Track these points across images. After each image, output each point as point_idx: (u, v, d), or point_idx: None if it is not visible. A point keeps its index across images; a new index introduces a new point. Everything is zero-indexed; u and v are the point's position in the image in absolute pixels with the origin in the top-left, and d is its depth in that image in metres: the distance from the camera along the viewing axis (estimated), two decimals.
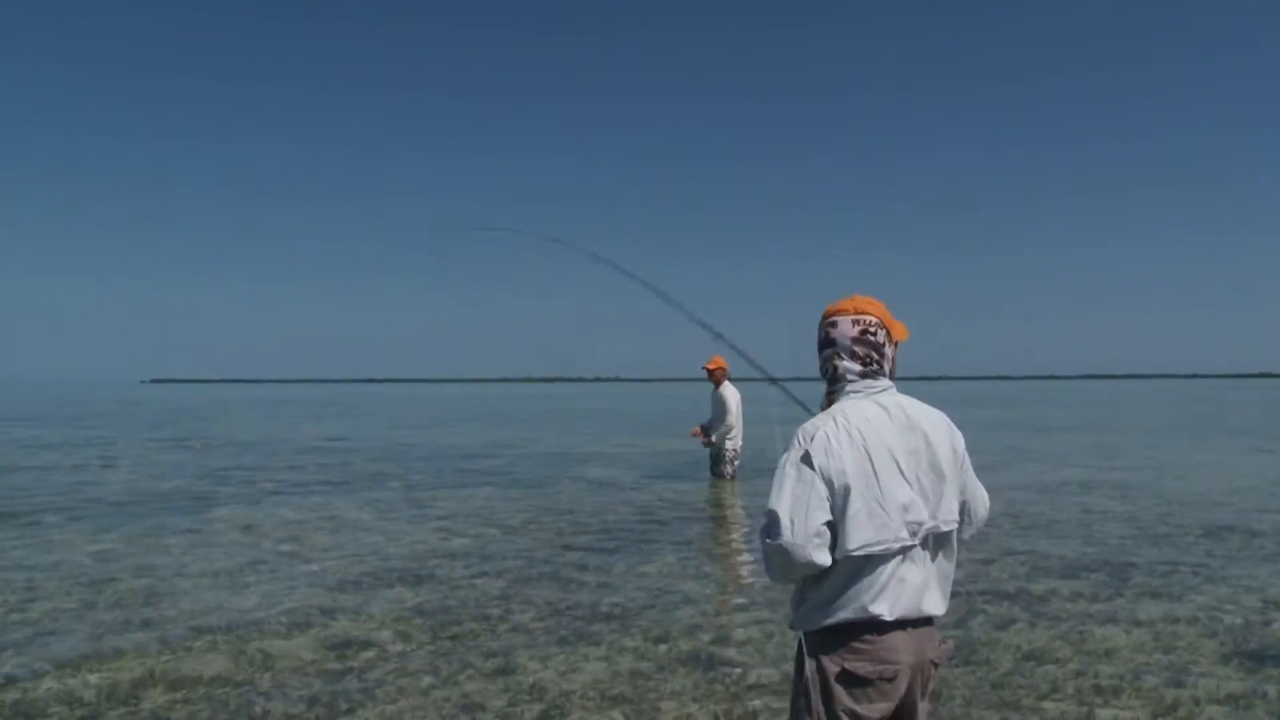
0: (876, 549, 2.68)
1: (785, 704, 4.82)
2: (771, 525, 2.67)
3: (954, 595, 7.20)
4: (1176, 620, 6.52)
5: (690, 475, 15.40)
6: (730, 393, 13.51)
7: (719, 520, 11.57)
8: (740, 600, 7.26)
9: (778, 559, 2.67)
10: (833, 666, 2.72)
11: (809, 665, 2.76)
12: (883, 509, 2.69)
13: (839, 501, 2.66)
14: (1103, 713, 4.77)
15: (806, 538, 2.63)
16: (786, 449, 2.76)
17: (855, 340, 2.86)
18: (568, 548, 9.42)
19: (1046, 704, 4.90)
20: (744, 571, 8.39)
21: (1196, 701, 4.92)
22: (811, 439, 2.70)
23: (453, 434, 29.89)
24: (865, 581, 2.69)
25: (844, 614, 2.70)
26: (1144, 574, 8.03)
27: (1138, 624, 6.44)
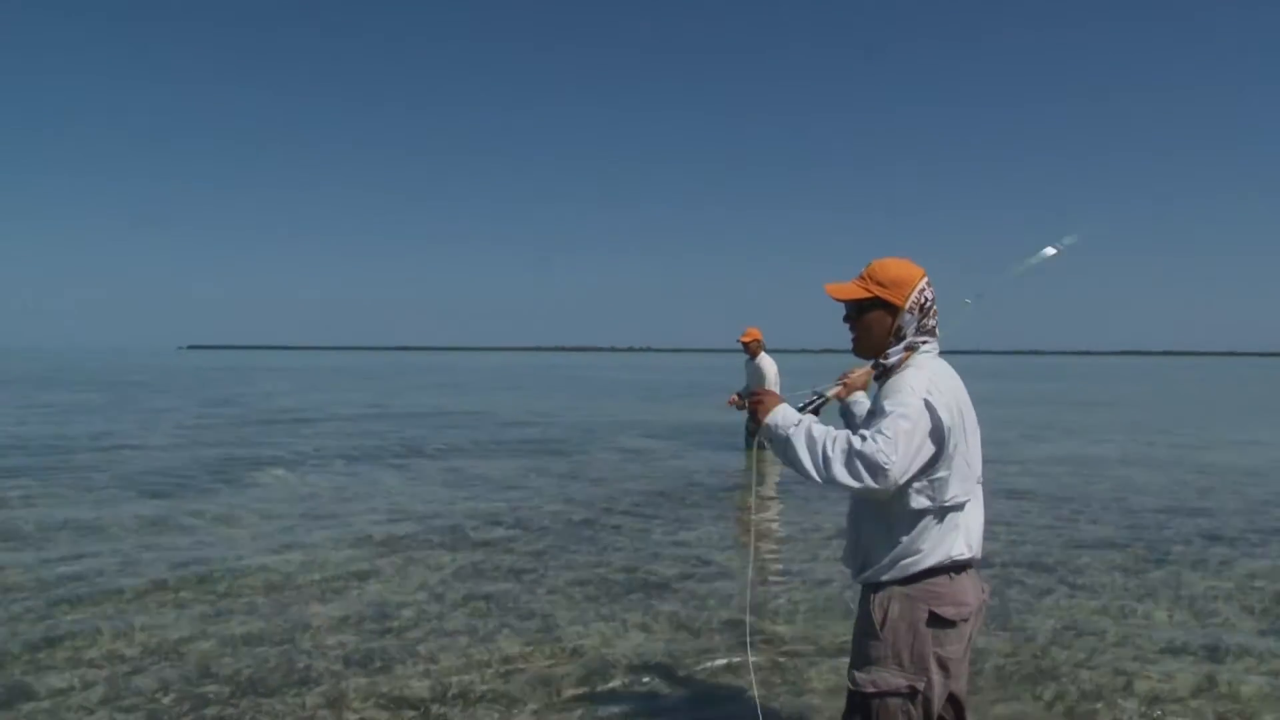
0: (962, 499, 2.86)
1: (822, 674, 4.86)
2: (888, 441, 2.68)
3: (992, 566, 7.22)
4: (1215, 594, 6.48)
5: (726, 445, 15.40)
6: (768, 363, 13.49)
7: (756, 491, 11.59)
8: (778, 571, 7.28)
9: (864, 467, 2.68)
10: (920, 612, 2.87)
11: (894, 612, 2.89)
12: (967, 463, 2.87)
13: (945, 454, 2.80)
14: (1140, 684, 4.76)
15: (903, 472, 2.70)
16: (891, 393, 2.80)
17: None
18: (603, 515, 9.47)
19: (1083, 673, 4.90)
20: (782, 543, 8.39)
21: (1236, 674, 4.90)
22: (928, 391, 2.79)
23: (486, 402, 30.05)
24: (947, 528, 2.87)
25: (931, 560, 2.86)
26: (1182, 548, 7.98)
27: (1176, 597, 6.40)
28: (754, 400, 2.96)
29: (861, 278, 3.01)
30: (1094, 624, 5.79)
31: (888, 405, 2.78)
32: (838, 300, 3.05)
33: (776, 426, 2.86)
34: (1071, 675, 4.88)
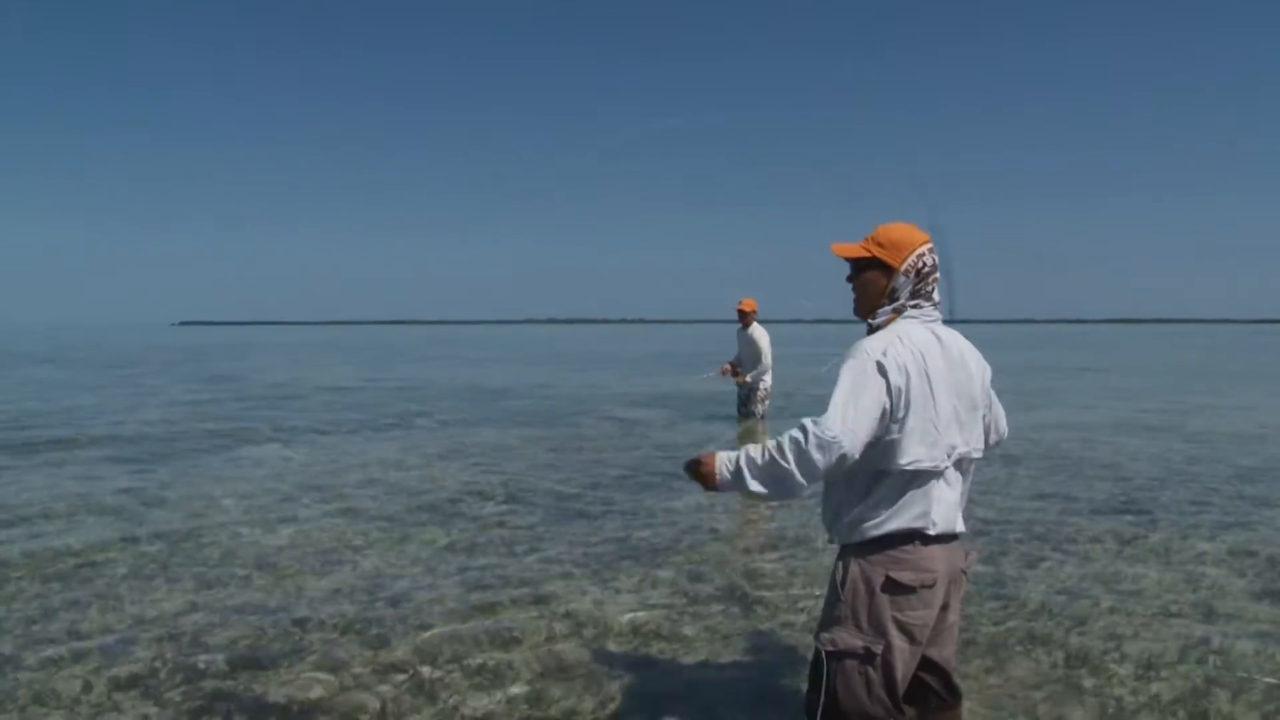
0: (925, 465, 2.85)
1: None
2: (826, 418, 2.73)
3: (985, 534, 7.26)
4: (1205, 560, 6.51)
5: (718, 415, 15.42)
6: (762, 333, 13.54)
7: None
8: (770, 537, 7.31)
9: (818, 452, 2.72)
10: (878, 576, 2.90)
11: (854, 574, 2.91)
12: (935, 429, 2.86)
13: (899, 415, 2.81)
14: (1132, 647, 4.79)
15: (855, 437, 2.73)
16: (848, 358, 2.85)
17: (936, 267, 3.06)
18: (596, 485, 9.49)
19: (1074, 638, 4.93)
20: (777, 511, 8.42)
21: (1226, 638, 4.92)
22: (883, 353, 2.81)
23: (479, 374, 30.02)
24: (911, 496, 2.87)
25: (891, 526, 2.87)
26: (1173, 514, 8.01)
27: (1167, 563, 6.43)
28: (696, 473, 2.99)
29: (866, 239, 3.06)
30: (1086, 589, 5.82)
31: (840, 371, 2.84)
32: (842, 258, 3.10)
33: (727, 481, 2.90)
34: (1063, 640, 4.90)
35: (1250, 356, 44.33)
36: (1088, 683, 4.38)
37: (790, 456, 2.75)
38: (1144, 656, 4.68)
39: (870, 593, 2.89)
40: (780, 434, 2.81)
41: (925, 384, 2.84)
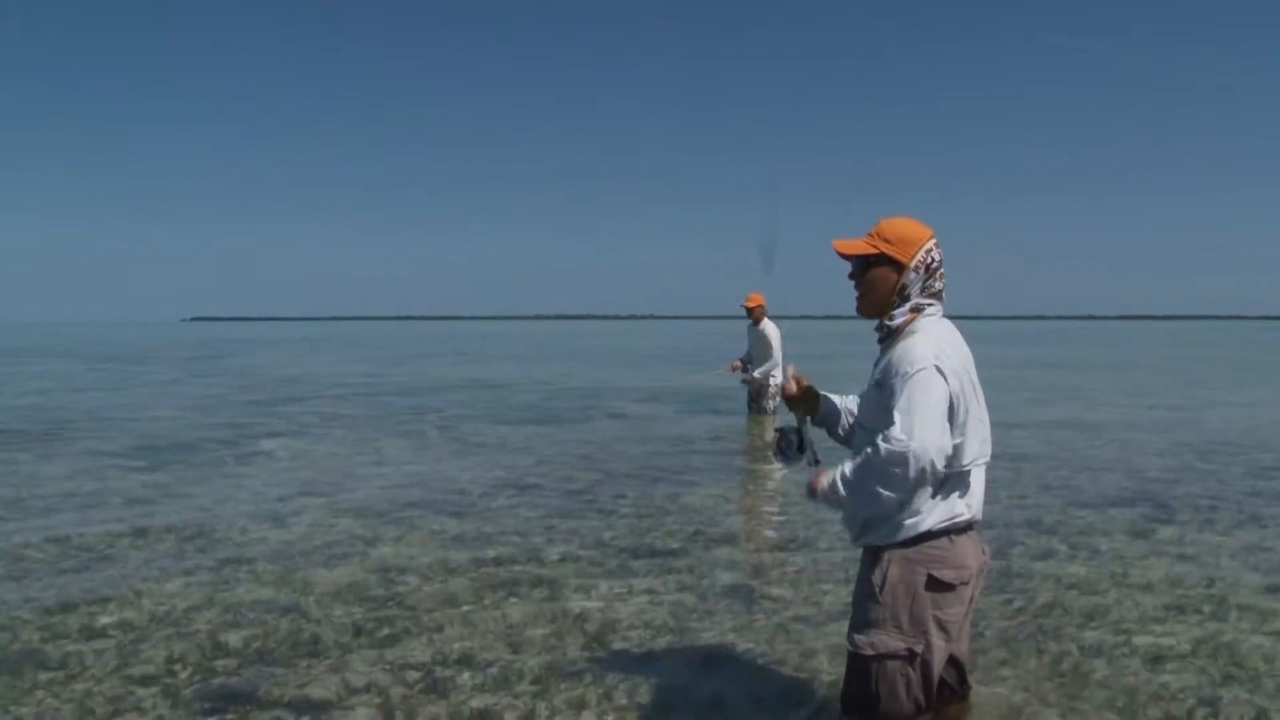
0: (981, 462, 2.89)
1: (826, 636, 4.88)
2: (906, 434, 2.68)
3: (993, 526, 7.24)
4: (1218, 555, 6.49)
5: (728, 411, 15.42)
6: (772, 329, 13.51)
7: (761, 456, 11.60)
8: (781, 536, 7.30)
9: (905, 467, 2.67)
10: (919, 576, 2.89)
11: (894, 575, 2.91)
12: (982, 424, 2.90)
13: (960, 418, 2.82)
14: (1142, 642, 4.78)
15: (940, 450, 2.71)
16: (906, 369, 2.78)
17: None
18: (607, 481, 9.50)
19: (1085, 633, 4.91)
20: (786, 507, 8.42)
21: (1239, 634, 4.91)
22: (936, 357, 2.78)
23: (489, 370, 30.05)
24: (947, 489, 2.88)
25: (929, 522, 2.88)
26: (1185, 510, 7.99)
27: (1179, 558, 6.42)
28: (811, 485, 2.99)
29: (870, 235, 3.00)
30: (1096, 584, 5.80)
31: (897, 384, 2.76)
32: (844, 256, 3.03)
33: (830, 494, 2.90)
34: (1074, 635, 4.89)
35: (1262, 353, 44.13)
36: (1098, 675, 4.37)
37: (871, 476, 2.75)
38: (1155, 650, 4.67)
39: (912, 594, 2.88)
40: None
41: (969, 382, 2.86)
